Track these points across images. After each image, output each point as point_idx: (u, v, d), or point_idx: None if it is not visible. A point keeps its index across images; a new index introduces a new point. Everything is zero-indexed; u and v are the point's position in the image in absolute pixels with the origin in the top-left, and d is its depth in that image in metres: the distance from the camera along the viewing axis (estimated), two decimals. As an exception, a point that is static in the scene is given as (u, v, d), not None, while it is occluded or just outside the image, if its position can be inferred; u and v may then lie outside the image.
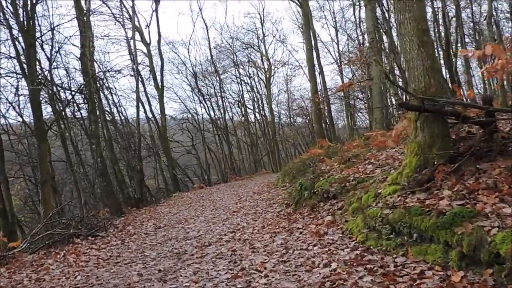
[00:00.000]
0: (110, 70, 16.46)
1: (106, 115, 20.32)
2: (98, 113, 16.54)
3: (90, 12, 18.62)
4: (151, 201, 18.35)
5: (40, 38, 13.28)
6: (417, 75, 4.84)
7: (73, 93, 14.11)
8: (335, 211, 6.19)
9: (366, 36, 25.23)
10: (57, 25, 13.80)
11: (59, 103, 14.99)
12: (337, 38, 28.50)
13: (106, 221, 9.58)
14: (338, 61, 28.42)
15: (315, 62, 19.49)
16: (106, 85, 19.01)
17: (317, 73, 20.67)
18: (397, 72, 15.68)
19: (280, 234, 6.16)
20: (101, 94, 19.95)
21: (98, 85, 16.92)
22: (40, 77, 14.08)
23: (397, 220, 4.19)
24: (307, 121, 39.92)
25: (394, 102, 10.24)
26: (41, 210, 11.04)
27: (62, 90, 15.52)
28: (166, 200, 16.75)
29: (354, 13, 26.34)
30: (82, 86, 13.49)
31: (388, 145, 8.59)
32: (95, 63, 19.05)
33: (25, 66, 11.53)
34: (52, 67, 16.03)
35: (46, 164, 11.15)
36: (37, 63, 15.27)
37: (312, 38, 16.13)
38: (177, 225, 8.98)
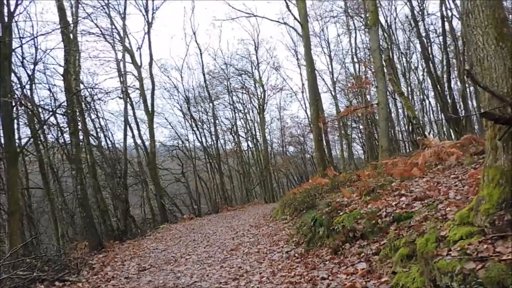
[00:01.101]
0: (95, 87, 14.96)
1: (91, 139, 18.87)
2: (82, 136, 15.10)
3: (79, 32, 17.50)
4: (136, 233, 16.66)
5: (20, 47, 11.93)
6: (496, 77, 3.56)
7: (53, 111, 12.62)
8: (370, 256, 4.78)
9: (359, 64, 24.49)
10: (38, 35, 12.35)
11: (38, 125, 13.52)
12: (331, 66, 27.79)
13: (80, 260, 7.97)
14: (332, 90, 27.67)
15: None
16: (93, 107, 17.60)
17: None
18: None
19: (298, 285, 4.72)
20: (86, 117, 18.58)
21: (84, 106, 15.52)
22: (18, 95, 12.68)
23: (494, 279, 2.83)
24: (299, 149, 38.87)
25: (412, 123, 9.14)
26: (7, 246, 9.39)
27: (43, 111, 14.06)
28: (153, 232, 15.11)
29: (350, 41, 25.82)
30: (64, 103, 12.02)
31: (414, 174, 7.29)
32: (81, 84, 17.76)
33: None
34: (34, 85, 14.69)
35: (15, 192, 9.56)
36: (17, 80, 13.93)
37: (312, 61, 15.06)
38: (165, 266, 7.43)
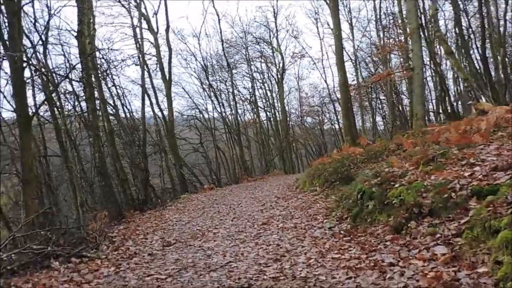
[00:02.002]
0: (112, 50, 14.01)
1: (108, 107, 18.08)
2: (98, 103, 14.28)
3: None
4: (157, 203, 16.02)
5: (31, 2, 10.95)
6: None
7: (67, 74, 11.76)
8: (450, 238, 3.83)
9: (383, 31, 22.91)
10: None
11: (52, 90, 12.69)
12: (352, 34, 26.19)
13: (99, 233, 7.22)
14: (353, 59, 26.15)
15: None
16: (109, 74, 16.71)
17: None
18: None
19: (360, 272, 3.82)
20: (103, 84, 17.75)
21: (99, 72, 14.63)
22: (30, 58, 11.81)
23: None
24: (317, 121, 37.64)
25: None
26: (22, 215, 8.75)
27: (57, 77, 13.18)
28: (174, 202, 14.41)
29: (374, 6, 24.10)
30: (78, 65, 11.14)
31: (475, 141, 6.23)
32: (97, 52, 16.82)
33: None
34: (47, 51, 13.78)
35: (30, 160, 8.82)
36: (30, 44, 13.04)
37: (339, 24, 13.76)
38: (192, 241, 6.62)
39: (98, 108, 15.22)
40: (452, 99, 16.91)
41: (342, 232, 5.62)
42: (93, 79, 12.83)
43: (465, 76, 8.11)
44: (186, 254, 5.64)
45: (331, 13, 13.69)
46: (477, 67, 16.95)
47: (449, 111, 15.50)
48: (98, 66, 15.78)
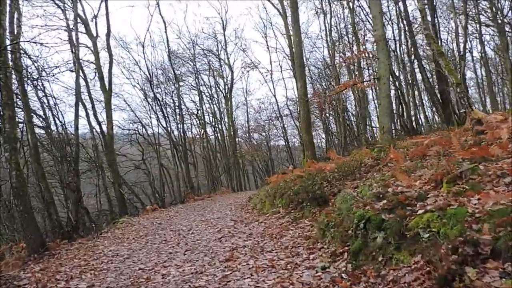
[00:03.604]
0: (39, 43, 11.69)
1: (38, 119, 15.47)
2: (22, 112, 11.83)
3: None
4: (90, 227, 13.60)
5: None
6: None
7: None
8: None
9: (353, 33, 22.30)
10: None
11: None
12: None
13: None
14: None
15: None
16: (37, 78, 14.20)
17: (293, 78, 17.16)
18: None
19: None
20: (30, 91, 15.17)
21: (25, 74, 12.20)
22: None
23: None
24: (264, 137, 36.38)
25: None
26: None
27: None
28: (111, 228, 12.16)
29: (324, 21, 23.46)
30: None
31: (492, 153, 4.97)
32: (24, 56, 14.31)
33: None
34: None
35: None
36: None
37: (300, 29, 12.52)
38: (133, 291, 4.73)
39: (22, 119, 12.77)
40: (412, 113, 16.26)
41: (344, 275, 4.03)
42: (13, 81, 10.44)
43: (457, 80, 7.06)
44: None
45: (291, 18, 12.48)
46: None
47: (408, 126, 14.74)
48: (24, 68, 13.34)
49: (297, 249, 5.45)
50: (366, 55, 11.91)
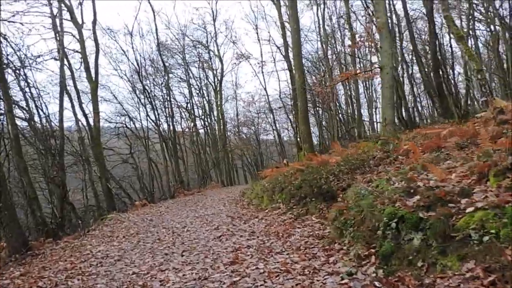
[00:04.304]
0: (13, 21, 10.75)
1: (20, 110, 14.55)
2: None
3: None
4: (77, 224, 12.81)
5: None
6: None
7: None
8: None
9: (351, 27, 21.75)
10: None
11: None
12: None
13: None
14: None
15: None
16: (19, 68, 13.28)
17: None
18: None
19: None
20: (16, 84, 14.33)
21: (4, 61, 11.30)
22: None
23: None
24: (253, 131, 35.68)
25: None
26: None
27: None
28: (99, 225, 11.41)
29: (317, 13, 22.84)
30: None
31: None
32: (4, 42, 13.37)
33: None
34: None
35: None
36: None
37: (297, 16, 11.83)
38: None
39: (3, 110, 11.88)
40: (409, 105, 15.80)
41: (377, 283, 3.44)
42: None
43: (478, 66, 6.53)
44: None
45: (288, 4, 11.80)
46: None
47: (405, 118, 14.28)
48: (5, 56, 12.43)
49: (311, 250, 4.85)
50: (369, 43, 11.31)
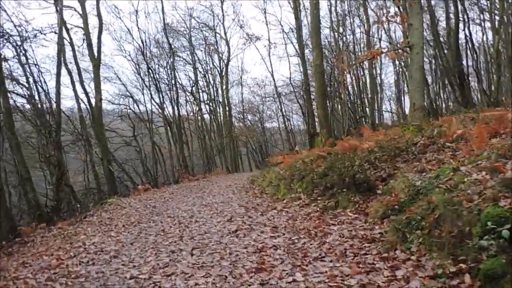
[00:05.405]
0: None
1: (20, 88, 13.35)
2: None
3: None
4: (75, 208, 11.65)
5: None
6: None
7: None
8: None
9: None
10: None
11: None
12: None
13: None
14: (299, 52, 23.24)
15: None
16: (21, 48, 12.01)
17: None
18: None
19: None
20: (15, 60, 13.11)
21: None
22: None
23: None
24: (257, 118, 34.39)
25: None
26: None
27: None
28: (98, 210, 10.26)
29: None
30: None
31: None
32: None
33: None
34: None
35: None
36: None
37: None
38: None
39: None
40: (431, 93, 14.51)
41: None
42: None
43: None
44: None
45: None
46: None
47: (428, 106, 13.03)
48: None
49: (363, 259, 3.63)
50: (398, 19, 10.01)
